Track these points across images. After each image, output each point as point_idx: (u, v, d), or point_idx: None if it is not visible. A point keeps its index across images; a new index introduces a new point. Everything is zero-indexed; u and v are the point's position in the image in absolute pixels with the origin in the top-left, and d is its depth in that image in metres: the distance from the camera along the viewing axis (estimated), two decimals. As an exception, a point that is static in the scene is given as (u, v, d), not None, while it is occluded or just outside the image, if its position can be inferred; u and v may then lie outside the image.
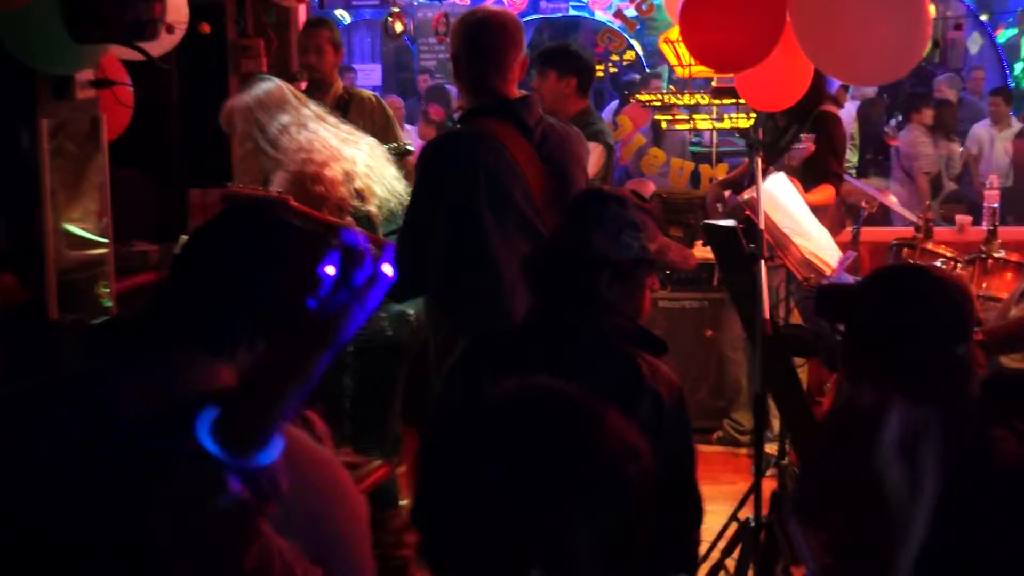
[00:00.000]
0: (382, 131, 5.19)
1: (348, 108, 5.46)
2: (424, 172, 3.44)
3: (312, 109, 4.19)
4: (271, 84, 4.21)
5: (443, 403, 2.62)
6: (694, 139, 8.92)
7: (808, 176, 5.12)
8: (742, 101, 6.26)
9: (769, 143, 5.43)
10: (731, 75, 5.75)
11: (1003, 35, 13.24)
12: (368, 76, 11.89)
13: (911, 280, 2.29)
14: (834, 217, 5.45)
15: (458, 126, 3.64)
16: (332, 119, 4.24)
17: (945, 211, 8.20)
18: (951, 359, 2.16)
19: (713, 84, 6.91)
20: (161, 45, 4.40)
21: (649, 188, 7.45)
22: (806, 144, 4.86)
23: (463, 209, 3.34)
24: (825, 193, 5.26)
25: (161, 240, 5.00)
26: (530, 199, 3.35)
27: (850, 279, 3.88)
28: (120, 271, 4.51)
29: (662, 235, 2.59)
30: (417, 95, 11.47)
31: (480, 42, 3.44)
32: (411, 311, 4.19)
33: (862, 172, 9.37)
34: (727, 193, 5.78)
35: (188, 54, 5.33)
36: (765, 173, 4.51)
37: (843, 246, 4.55)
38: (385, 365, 4.23)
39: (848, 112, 9.13)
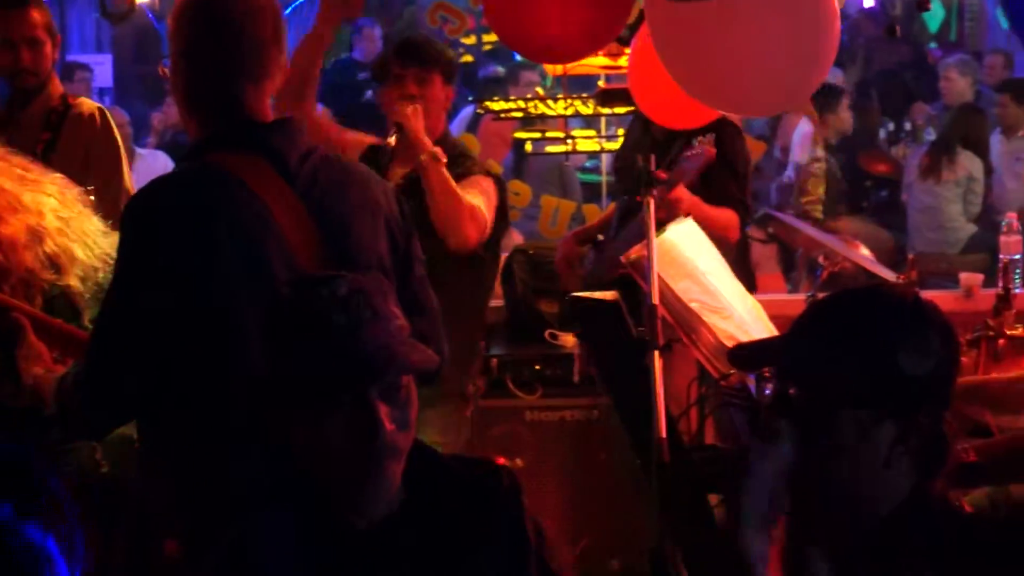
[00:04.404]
0: (103, 167, 5.26)
1: (59, 129, 5.52)
2: (131, 235, 3.36)
3: None
4: None
5: None
6: (588, 164, 9.06)
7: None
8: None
9: (644, 169, 5.56)
10: (623, 69, 5.88)
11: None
12: (93, 73, 11.88)
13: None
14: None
15: (183, 164, 3.57)
16: None
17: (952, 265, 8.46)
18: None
19: (600, 84, 7.03)
20: None
21: (512, 240, 7.61)
22: (701, 148, 4.88)
23: (192, 288, 3.28)
24: (725, 217, 5.52)
25: None
26: (294, 269, 3.30)
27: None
28: None
29: None
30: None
31: (220, 32, 3.41)
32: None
33: (831, 212, 9.50)
34: (586, 250, 5.89)
35: None
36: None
37: (786, 323, 4.69)
38: (106, 517, 4.20)
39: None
